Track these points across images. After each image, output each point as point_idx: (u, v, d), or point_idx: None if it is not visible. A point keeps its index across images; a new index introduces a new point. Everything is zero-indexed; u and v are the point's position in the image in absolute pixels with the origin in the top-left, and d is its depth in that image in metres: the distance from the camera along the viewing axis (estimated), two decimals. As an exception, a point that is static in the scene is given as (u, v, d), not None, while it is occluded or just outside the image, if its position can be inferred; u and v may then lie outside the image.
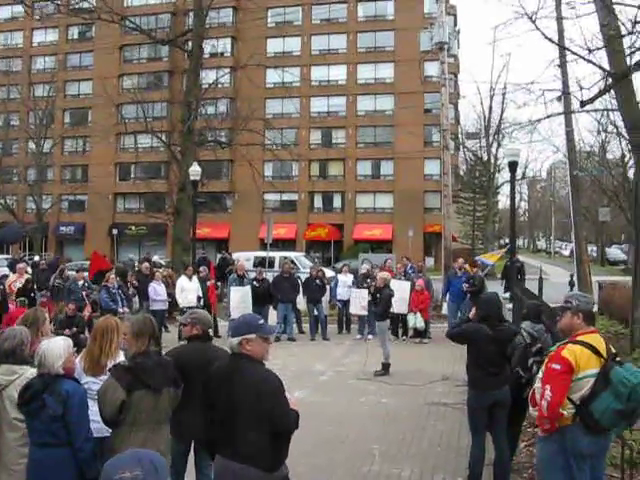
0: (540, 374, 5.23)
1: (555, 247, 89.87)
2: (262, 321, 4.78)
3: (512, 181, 18.74)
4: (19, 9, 58.36)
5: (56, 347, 4.92)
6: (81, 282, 17.25)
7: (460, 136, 54.60)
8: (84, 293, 16.49)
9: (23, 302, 14.00)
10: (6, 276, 21.02)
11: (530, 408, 5.41)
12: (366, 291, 15.44)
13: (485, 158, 51.98)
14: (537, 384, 5.19)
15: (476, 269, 19.14)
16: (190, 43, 30.29)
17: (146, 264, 20.34)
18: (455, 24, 52.42)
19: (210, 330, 6.27)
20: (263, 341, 4.62)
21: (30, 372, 5.04)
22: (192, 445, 6.04)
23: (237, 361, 4.59)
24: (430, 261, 48.95)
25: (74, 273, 19.73)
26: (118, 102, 50.66)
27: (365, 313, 16.26)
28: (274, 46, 59.13)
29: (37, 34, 64.87)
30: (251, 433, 4.41)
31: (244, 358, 4.56)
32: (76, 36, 65.06)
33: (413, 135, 52.36)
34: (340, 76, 58.39)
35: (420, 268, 20.31)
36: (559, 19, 18.70)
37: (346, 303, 18.76)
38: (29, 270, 21.22)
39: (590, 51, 12.06)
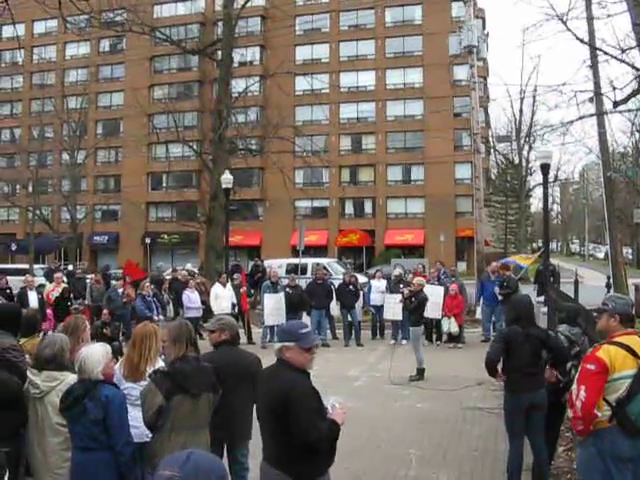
0: (577, 375, 5.19)
1: (589, 250, 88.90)
2: (305, 330, 4.73)
3: (544, 184, 18.55)
4: (53, 24, 59.46)
5: (95, 353, 5.01)
6: (121, 290, 17.45)
7: (491, 139, 54.37)
8: (124, 301, 16.67)
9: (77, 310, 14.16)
10: (43, 285, 21.38)
11: (568, 410, 5.37)
12: (399, 296, 15.41)
13: (516, 161, 51.70)
14: (573, 385, 5.16)
15: (509, 272, 18.98)
16: (220, 52, 30.56)
17: (184, 272, 20.54)
18: (484, 27, 51.95)
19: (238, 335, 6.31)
20: (304, 351, 4.57)
21: (71, 378, 5.13)
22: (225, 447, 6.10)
23: (277, 366, 4.62)
24: (462, 265, 48.68)
25: (114, 282, 20.01)
26: (149, 112, 51.25)
27: (399, 318, 16.24)
28: (303, 53, 59.33)
29: (70, 47, 65.77)
30: (277, 439, 4.44)
31: (284, 365, 4.56)
32: (107, 48, 65.90)
33: (443, 139, 52.16)
34: (369, 82, 58.43)
35: (453, 273, 20.23)
36: (590, 19, 18.58)
37: (379, 309, 18.77)
38: (65, 279, 21.48)
39: (623, 51, 12.00)
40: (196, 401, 4.97)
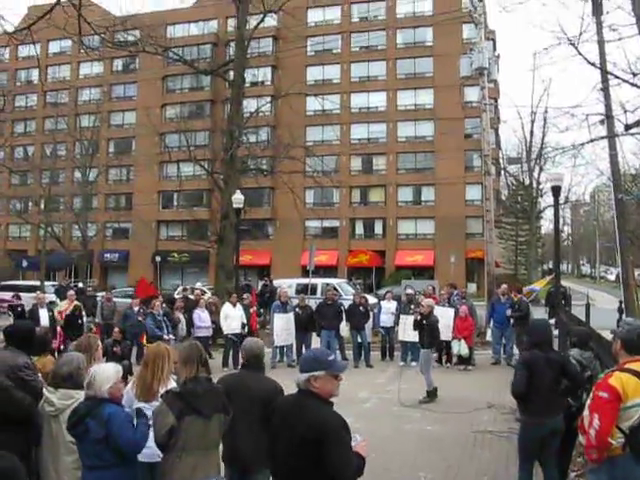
0: (588, 401, 5.16)
1: (600, 272, 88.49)
2: (333, 357, 4.60)
3: (555, 206, 18.53)
4: (67, 44, 59.99)
5: (106, 370, 5.05)
6: (136, 308, 17.48)
7: (501, 161, 54.34)
8: (140, 319, 16.69)
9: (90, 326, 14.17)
10: (53, 302, 21.44)
11: (580, 436, 5.33)
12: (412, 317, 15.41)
13: (527, 182, 51.59)
14: (585, 411, 5.13)
15: (520, 295, 18.92)
16: (232, 73, 30.76)
17: (197, 290, 20.59)
18: (494, 49, 52.29)
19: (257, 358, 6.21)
20: (333, 378, 4.44)
21: None
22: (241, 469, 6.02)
23: (303, 398, 4.43)
24: (472, 287, 48.56)
25: (127, 300, 20.06)
26: (161, 131, 51.58)
27: (416, 340, 16.22)
28: (314, 74, 59.63)
29: (83, 67, 66.43)
30: (301, 475, 4.30)
31: (310, 396, 4.39)
32: (120, 68, 66.51)
33: (454, 160, 52.26)
34: (380, 103, 58.61)
35: (464, 294, 20.18)
36: (601, 42, 18.61)
37: (389, 330, 18.75)
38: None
39: (634, 75, 12.01)
40: (207, 422, 4.97)
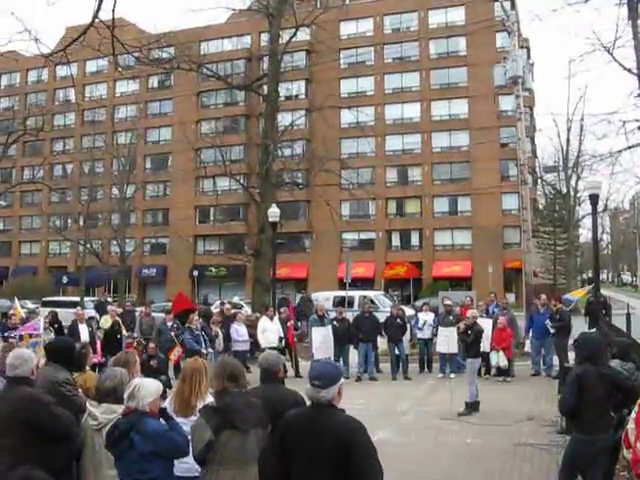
0: (633, 414, 5.07)
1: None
2: (339, 365, 4.72)
3: (594, 214, 18.34)
4: (103, 63, 60.95)
5: (150, 384, 5.09)
6: (170, 323, 17.58)
7: (538, 169, 53.89)
8: (173, 334, 16.78)
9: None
10: (93, 318, 21.68)
11: (624, 450, 5.23)
12: (453, 329, 15.31)
13: (564, 191, 51.06)
14: (630, 425, 5.03)
15: (561, 305, 18.68)
16: (266, 87, 30.97)
17: (227, 305, 20.65)
18: (528, 57, 52.02)
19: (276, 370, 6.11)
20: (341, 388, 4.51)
21: None
22: None
23: (322, 411, 4.43)
24: (511, 297, 48.00)
25: (162, 315, 20.19)
26: (197, 147, 52.06)
27: (455, 351, 16.10)
28: (348, 87, 59.81)
29: (120, 85, 67.41)
30: None
31: (329, 407, 4.41)
32: (156, 85, 67.38)
33: (490, 170, 51.97)
34: (414, 114, 58.54)
35: (504, 305, 19.96)
36: (637, 47, 18.40)
37: (427, 342, 18.65)
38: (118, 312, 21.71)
39: (671, 80, 11.84)
40: (245, 436, 4.95)
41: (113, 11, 8.40)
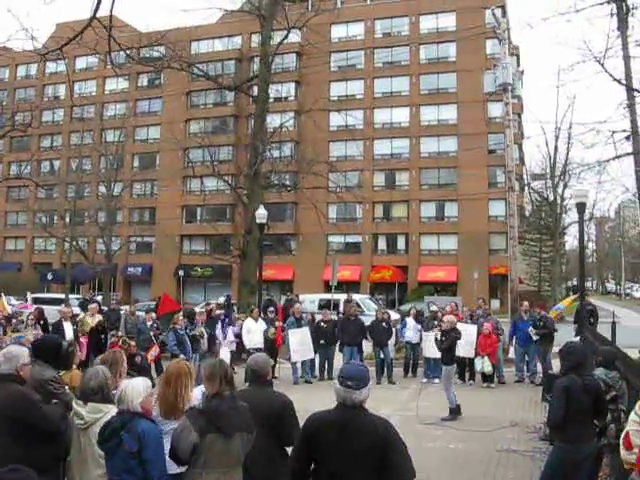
0: (634, 416, 5.10)
1: (626, 289, 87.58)
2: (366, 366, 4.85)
3: (580, 222, 18.44)
4: (93, 60, 60.75)
5: (137, 385, 5.08)
6: (150, 322, 17.53)
7: (525, 177, 54.09)
8: (152, 333, 16.73)
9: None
10: (77, 315, 21.57)
11: (622, 451, 5.26)
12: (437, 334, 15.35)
13: (551, 199, 51.26)
14: (632, 426, 5.07)
15: (544, 312, 18.75)
16: (255, 88, 30.98)
17: (212, 305, 20.64)
18: (518, 64, 52.25)
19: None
20: None
21: (114, 411, 5.19)
22: None
23: (354, 412, 4.53)
24: (495, 303, 48.23)
25: (143, 314, 20.10)
26: (185, 146, 51.98)
27: (438, 356, 16.13)
28: (337, 90, 59.87)
29: (109, 82, 67.26)
30: None
31: (361, 409, 4.54)
32: (145, 83, 67.22)
33: (477, 176, 52.14)
34: (403, 118, 58.64)
35: (488, 311, 20.04)
36: (626, 58, 18.53)
37: (415, 346, 18.70)
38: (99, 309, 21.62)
39: (660, 91, 11.93)
40: (229, 440, 4.94)
41: (111, 10, 8.38)
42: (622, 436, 5.25)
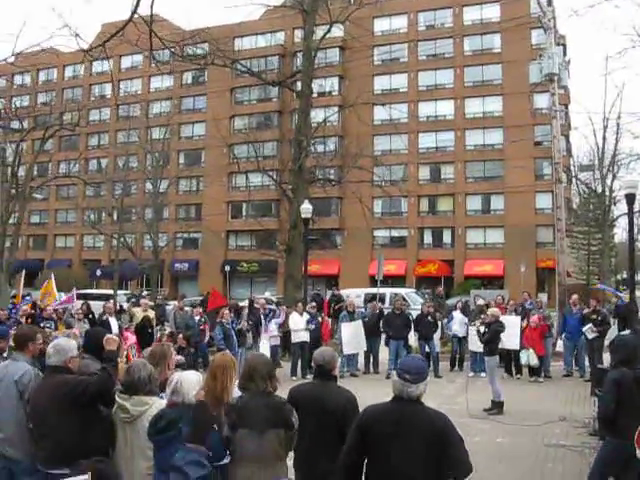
0: None
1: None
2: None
3: (630, 214, 18.14)
4: (138, 59, 61.51)
5: (191, 378, 5.14)
6: (197, 317, 17.73)
7: (573, 168, 53.23)
8: (201, 327, 16.94)
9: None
10: (124, 310, 21.96)
11: (637, 450, 5.15)
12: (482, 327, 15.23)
13: (600, 190, 50.37)
14: None
15: (598, 304, 18.24)
16: (299, 83, 30.99)
17: (262, 301, 20.80)
18: (565, 54, 51.38)
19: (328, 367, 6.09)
20: None
21: (159, 403, 5.26)
22: None
23: (411, 405, 4.51)
24: (543, 297, 47.53)
25: (189, 309, 20.38)
26: (230, 142, 52.13)
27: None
28: (381, 83, 59.69)
29: (154, 81, 68.04)
30: (432, 478, 4.37)
31: (418, 403, 4.51)
32: (190, 81, 67.78)
33: (523, 169, 51.50)
34: (448, 111, 58.25)
35: (540, 305, 19.73)
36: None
37: (461, 340, 18.58)
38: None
39: None
40: (260, 436, 4.92)
41: (151, 7, 8.48)
42: (636, 435, 5.12)
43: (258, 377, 5.16)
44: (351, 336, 17.80)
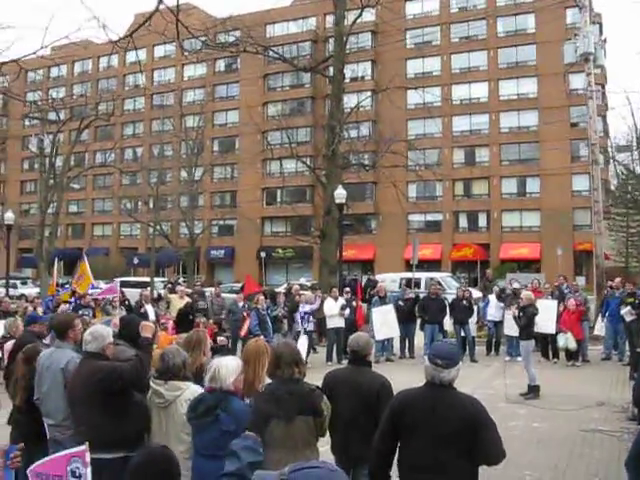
0: None
1: None
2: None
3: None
4: (171, 47, 61.74)
5: (230, 363, 5.19)
6: (241, 303, 17.87)
7: (610, 149, 52.45)
8: (245, 314, 17.07)
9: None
10: (161, 298, 22.16)
11: None
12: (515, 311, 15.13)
13: (638, 171, 49.60)
14: None
15: (634, 286, 17.91)
16: (331, 69, 30.92)
17: (296, 286, 20.88)
18: (600, 33, 50.53)
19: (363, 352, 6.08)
20: None
21: (193, 388, 5.35)
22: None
23: (443, 390, 4.52)
24: (581, 280, 47.05)
25: (228, 295, 20.55)
26: (263, 129, 52.34)
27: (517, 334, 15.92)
28: (414, 67, 59.25)
29: (187, 69, 68.32)
30: (456, 465, 4.38)
31: (450, 388, 4.52)
32: (223, 68, 67.96)
33: (559, 150, 50.89)
34: (482, 93, 57.67)
35: (576, 288, 19.55)
36: None
37: (497, 324, 18.49)
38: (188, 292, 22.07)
39: None
40: (289, 424, 4.95)
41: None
42: None
43: (284, 364, 5.17)
44: (382, 321, 17.79)
